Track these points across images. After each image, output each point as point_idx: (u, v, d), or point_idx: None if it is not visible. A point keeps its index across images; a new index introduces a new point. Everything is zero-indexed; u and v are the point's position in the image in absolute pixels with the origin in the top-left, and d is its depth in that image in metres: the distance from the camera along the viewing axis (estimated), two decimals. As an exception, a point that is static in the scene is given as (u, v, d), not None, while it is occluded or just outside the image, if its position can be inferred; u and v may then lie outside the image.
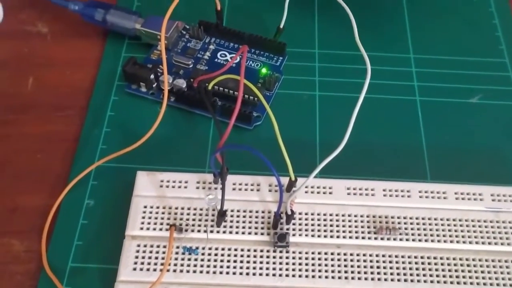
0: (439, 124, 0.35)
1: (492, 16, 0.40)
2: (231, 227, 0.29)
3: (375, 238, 0.29)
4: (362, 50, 0.28)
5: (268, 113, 0.28)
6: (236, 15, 0.40)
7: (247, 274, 0.28)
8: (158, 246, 0.29)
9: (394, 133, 0.34)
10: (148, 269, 0.28)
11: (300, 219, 0.30)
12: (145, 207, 0.30)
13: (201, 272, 0.28)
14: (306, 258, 0.29)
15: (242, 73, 0.27)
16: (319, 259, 0.28)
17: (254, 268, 0.28)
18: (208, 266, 0.28)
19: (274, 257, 0.29)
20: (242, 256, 0.29)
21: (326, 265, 0.28)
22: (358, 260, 0.28)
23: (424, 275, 0.28)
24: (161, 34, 0.32)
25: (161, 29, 0.36)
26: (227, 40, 0.38)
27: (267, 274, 0.28)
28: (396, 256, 0.28)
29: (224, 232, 0.29)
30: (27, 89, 0.37)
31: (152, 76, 0.35)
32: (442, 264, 0.28)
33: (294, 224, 0.30)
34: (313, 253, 0.29)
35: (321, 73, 0.37)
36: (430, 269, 0.28)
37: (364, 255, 0.29)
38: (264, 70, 0.36)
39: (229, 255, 0.29)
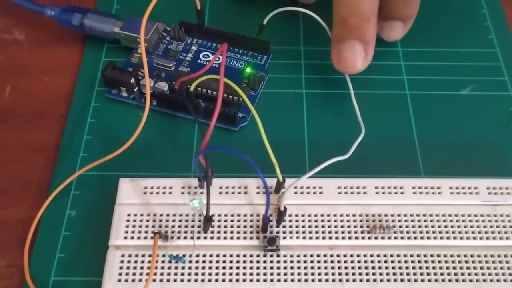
0: (430, 118, 0.34)
1: (480, 5, 0.39)
2: (218, 232, 0.28)
3: (369, 238, 0.28)
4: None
5: (253, 113, 0.27)
6: (217, 14, 0.39)
7: (237, 280, 0.27)
8: (143, 256, 0.28)
9: (385, 128, 0.33)
10: (133, 280, 0.27)
11: (290, 221, 0.29)
12: (129, 215, 0.29)
13: (189, 280, 0.27)
14: (298, 261, 0.27)
15: (222, 71, 0.26)
16: (312, 261, 0.27)
17: (244, 274, 0.27)
18: (196, 274, 0.27)
19: (264, 262, 0.27)
20: (231, 262, 0.27)
21: (319, 267, 0.27)
22: (352, 261, 0.27)
23: (421, 274, 0.27)
24: (141, 37, 0.31)
25: (140, 32, 0.35)
26: (209, 41, 0.37)
27: (257, 280, 0.27)
28: (391, 256, 0.27)
29: (211, 238, 0.28)
30: (4, 98, 0.35)
31: (132, 80, 0.34)
32: (439, 262, 0.27)
33: (284, 226, 0.28)
34: (305, 255, 0.28)
35: (307, 70, 0.36)
36: (427, 267, 0.27)
37: (358, 255, 0.27)
38: (248, 70, 0.35)
39: (217, 262, 0.27)
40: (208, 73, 0.31)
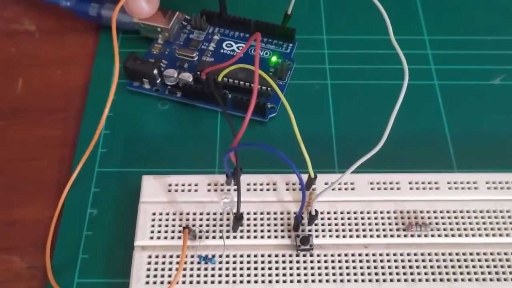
0: (461, 109, 0.33)
1: (508, -9, 0.38)
2: (248, 231, 0.27)
3: (405, 236, 0.27)
4: (398, 50, 0.26)
5: (284, 105, 0.26)
6: (239, 1, 0.37)
7: (270, 282, 0.26)
8: (171, 256, 0.27)
9: (414, 120, 0.32)
10: (162, 282, 0.26)
11: (322, 218, 0.28)
12: (154, 214, 0.28)
13: (219, 282, 0.26)
14: (332, 261, 0.26)
15: (257, 62, 0.25)
16: (346, 261, 0.26)
17: (277, 275, 0.26)
18: (227, 275, 0.26)
19: (297, 262, 0.26)
20: (263, 262, 0.26)
21: (354, 267, 0.26)
22: (388, 261, 0.26)
23: (461, 273, 0.26)
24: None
25: (163, 21, 0.34)
26: (232, 29, 0.35)
27: (291, 281, 0.26)
28: (429, 254, 0.26)
29: (241, 237, 0.27)
30: (17, 92, 0.34)
31: (155, 71, 0.32)
32: (479, 260, 0.26)
33: (316, 224, 0.27)
34: (339, 255, 0.27)
35: (331, 60, 0.35)
36: (467, 266, 0.26)
37: (394, 254, 0.26)
38: (274, 59, 0.33)
39: (248, 262, 0.26)
40: (235, 63, 0.30)
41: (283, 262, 0.26)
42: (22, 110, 0.33)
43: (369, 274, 0.26)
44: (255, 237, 0.27)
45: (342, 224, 0.27)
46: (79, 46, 0.36)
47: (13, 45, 0.36)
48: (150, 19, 0.34)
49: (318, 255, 0.27)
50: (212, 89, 0.31)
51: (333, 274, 0.26)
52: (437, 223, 0.27)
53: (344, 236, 0.27)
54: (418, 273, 0.26)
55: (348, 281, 0.26)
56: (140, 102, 0.33)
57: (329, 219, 0.28)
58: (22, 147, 0.32)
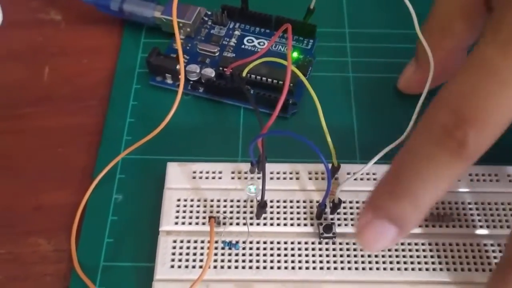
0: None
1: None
2: (271, 218, 0.28)
3: (427, 226, 0.27)
4: (425, 43, 0.26)
5: (313, 97, 0.26)
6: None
7: (293, 268, 0.26)
8: (195, 242, 0.27)
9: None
10: (186, 266, 0.26)
11: (344, 207, 0.28)
12: (179, 200, 0.28)
13: (243, 267, 0.26)
14: (355, 250, 0.27)
15: (289, 55, 0.25)
16: (368, 250, 0.27)
17: (299, 261, 0.26)
18: (251, 261, 0.26)
19: (320, 249, 0.27)
20: (286, 249, 0.27)
21: (376, 256, 0.27)
22: (410, 250, 0.27)
23: (482, 264, 0.26)
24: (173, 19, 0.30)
25: (185, 16, 0.34)
26: (252, 25, 0.35)
27: (314, 268, 0.26)
28: (450, 244, 0.27)
29: (265, 224, 0.28)
30: (44, 80, 0.35)
31: (178, 67, 0.33)
32: (500, 252, 0.27)
33: (338, 213, 0.28)
34: (361, 243, 0.27)
35: (353, 53, 0.35)
36: (488, 257, 0.26)
37: (416, 244, 0.27)
38: (295, 54, 0.34)
39: (272, 249, 0.27)
40: (259, 58, 0.30)
41: (306, 249, 0.27)
42: (49, 98, 0.34)
43: (390, 262, 0.26)
44: (278, 224, 0.27)
45: (364, 214, 0.28)
46: (104, 36, 0.37)
47: (40, 34, 0.37)
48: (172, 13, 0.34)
49: (340, 243, 0.27)
50: (240, 84, 0.31)
51: (355, 262, 0.26)
52: (458, 214, 0.27)
53: (366, 225, 0.27)
54: (440, 263, 0.26)
55: (370, 269, 0.26)
56: (164, 91, 0.34)
57: (351, 208, 0.28)
58: (49, 135, 0.33)
